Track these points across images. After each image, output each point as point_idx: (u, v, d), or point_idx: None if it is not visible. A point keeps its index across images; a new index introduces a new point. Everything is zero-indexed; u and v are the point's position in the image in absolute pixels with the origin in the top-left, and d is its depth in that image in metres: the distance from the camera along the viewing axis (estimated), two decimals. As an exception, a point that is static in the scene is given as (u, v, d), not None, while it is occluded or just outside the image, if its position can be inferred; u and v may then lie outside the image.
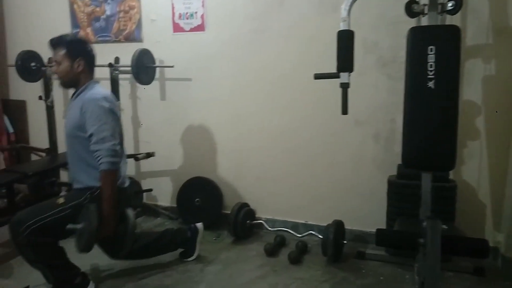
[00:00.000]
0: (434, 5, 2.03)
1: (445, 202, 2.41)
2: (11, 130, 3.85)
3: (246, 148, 3.14)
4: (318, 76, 2.17)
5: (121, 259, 2.52)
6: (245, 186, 3.18)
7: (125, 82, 3.34)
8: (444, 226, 1.88)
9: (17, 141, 3.86)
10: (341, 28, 2.04)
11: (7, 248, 2.85)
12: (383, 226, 2.63)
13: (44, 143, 3.44)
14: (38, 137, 3.70)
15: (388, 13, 2.61)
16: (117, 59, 3.13)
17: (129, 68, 2.98)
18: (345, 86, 2.08)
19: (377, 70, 2.70)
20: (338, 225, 2.63)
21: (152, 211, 3.42)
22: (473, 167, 2.59)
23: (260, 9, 2.93)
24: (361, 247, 2.76)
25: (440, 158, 1.96)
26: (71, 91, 2.34)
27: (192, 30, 3.14)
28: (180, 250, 2.68)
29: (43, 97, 3.31)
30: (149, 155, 3.18)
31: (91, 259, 2.61)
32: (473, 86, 2.52)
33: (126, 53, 3.04)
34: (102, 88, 2.28)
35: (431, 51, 1.89)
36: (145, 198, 3.46)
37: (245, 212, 2.96)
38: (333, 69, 2.08)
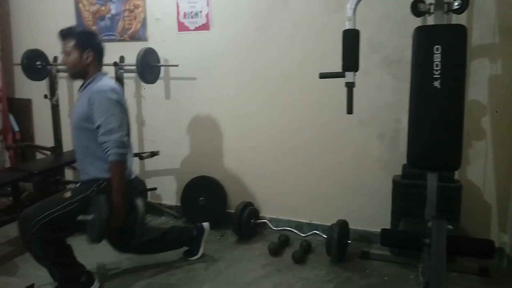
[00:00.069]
0: (440, 4, 2.02)
1: (450, 202, 2.40)
2: (16, 128, 3.87)
3: (251, 147, 3.14)
4: (323, 76, 2.17)
5: (128, 252, 2.53)
6: (249, 185, 3.18)
7: (130, 81, 3.35)
8: (450, 227, 1.87)
9: (22, 139, 3.88)
10: (347, 27, 2.04)
11: (12, 246, 2.87)
12: (387, 226, 2.62)
13: (49, 142, 3.45)
14: (43, 136, 3.71)
15: (394, 12, 2.60)
16: (122, 58, 3.14)
17: (134, 67, 2.99)
18: (350, 86, 2.07)
19: (382, 69, 2.69)
20: (342, 225, 2.62)
21: (156, 210, 3.42)
22: (478, 167, 2.58)
23: (265, 8, 2.93)
24: (365, 247, 2.75)
25: (445, 158, 1.95)
26: (77, 86, 2.35)
27: (197, 29, 3.14)
28: (184, 249, 2.68)
29: (48, 96, 3.33)
30: (153, 154, 3.19)
31: (96, 258, 2.62)
32: (479, 86, 2.51)
33: (131, 52, 3.05)
34: (110, 80, 2.29)
35: (437, 50, 1.88)
36: (150, 197, 3.47)
37: (249, 211, 2.96)
38: (338, 68, 2.08)
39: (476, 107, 2.52)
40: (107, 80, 2.26)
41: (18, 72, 3.48)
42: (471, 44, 2.44)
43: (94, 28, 3.46)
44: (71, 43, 2.21)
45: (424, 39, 1.93)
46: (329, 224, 2.69)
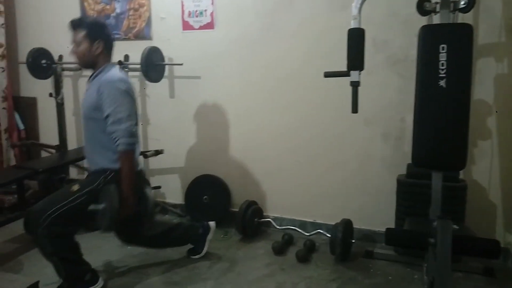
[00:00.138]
0: (446, 3, 2.02)
1: (455, 202, 2.39)
2: (21, 126, 3.88)
3: (254, 146, 3.14)
4: (328, 75, 2.16)
5: (133, 244, 2.56)
6: (253, 184, 3.18)
7: (135, 80, 3.35)
8: (455, 226, 1.86)
9: (27, 137, 3.89)
10: (352, 26, 2.03)
11: (17, 244, 2.88)
12: (391, 225, 2.62)
13: (54, 140, 3.46)
14: (48, 134, 3.72)
15: (399, 11, 2.59)
16: (126, 57, 3.15)
17: (138, 66, 2.99)
18: (355, 85, 2.07)
19: (387, 68, 2.68)
20: (346, 224, 2.62)
21: (161, 208, 3.43)
22: (484, 167, 2.57)
23: (270, 7, 2.92)
24: (369, 246, 2.75)
25: (450, 157, 1.94)
26: (82, 85, 2.36)
27: (201, 28, 3.14)
28: (188, 246, 2.69)
29: (53, 94, 3.34)
30: (157, 152, 3.20)
31: (100, 256, 2.63)
32: (484, 85, 2.49)
33: (135, 50, 3.05)
34: (119, 71, 2.31)
35: (443, 49, 1.87)
36: (154, 195, 3.47)
37: (253, 210, 2.96)
38: (342, 67, 2.08)
39: (482, 106, 2.51)
40: (116, 71, 2.28)
41: (24, 71, 3.50)
42: (477, 43, 2.43)
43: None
44: (82, 33, 2.22)
45: (430, 38, 1.92)
46: (333, 223, 2.68)
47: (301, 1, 2.83)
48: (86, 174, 2.50)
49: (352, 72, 2.06)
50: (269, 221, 3.09)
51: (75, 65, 3.46)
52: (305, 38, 2.87)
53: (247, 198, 3.06)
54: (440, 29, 1.97)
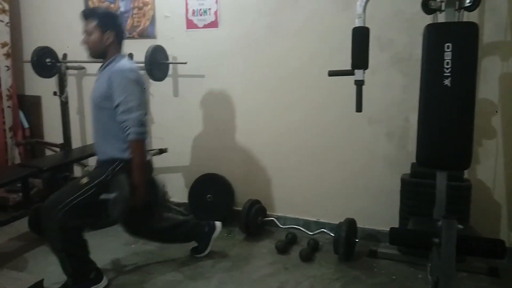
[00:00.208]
0: (452, 2, 2.00)
1: (460, 201, 2.38)
2: (26, 125, 3.90)
3: (258, 145, 3.14)
4: (332, 73, 2.16)
5: (139, 235, 2.58)
6: (257, 182, 3.18)
7: (139, 79, 3.36)
8: (460, 226, 1.85)
9: (32, 136, 3.91)
10: (356, 25, 2.02)
11: (22, 242, 2.90)
12: (395, 224, 2.61)
13: (58, 138, 3.48)
14: (53, 132, 3.74)
15: (404, 9, 2.58)
16: (130, 56, 3.14)
17: (142, 65, 2.99)
18: (359, 84, 2.06)
19: (391, 67, 2.67)
20: (350, 223, 2.61)
21: (164, 206, 3.43)
22: (488, 166, 2.56)
23: (274, 5, 2.92)
24: (373, 245, 2.74)
25: (455, 157, 1.93)
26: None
27: (205, 26, 3.14)
28: (192, 245, 2.69)
29: (58, 93, 3.35)
30: (161, 151, 3.20)
31: (104, 254, 2.64)
32: (490, 84, 2.48)
33: (139, 49, 3.05)
34: (129, 61, 2.33)
35: (448, 48, 1.86)
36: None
37: (257, 209, 2.96)
38: (347, 66, 2.07)
39: (487, 105, 2.50)
40: (126, 61, 2.30)
41: (28, 69, 3.51)
42: (482, 42, 2.42)
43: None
44: (93, 23, 2.24)
45: (434, 36, 1.91)
46: (337, 222, 2.68)
47: (305, -1, 2.83)
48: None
49: (356, 71, 2.05)
50: (272, 220, 3.09)
51: (79, 64, 3.49)
52: (309, 37, 2.86)
53: (250, 197, 3.06)
54: (445, 27, 1.95)
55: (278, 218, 3.11)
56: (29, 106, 3.90)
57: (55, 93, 3.35)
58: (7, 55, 3.68)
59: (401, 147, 2.72)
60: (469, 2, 1.99)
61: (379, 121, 2.76)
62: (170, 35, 3.26)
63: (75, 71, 3.58)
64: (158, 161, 3.41)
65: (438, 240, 1.85)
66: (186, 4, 3.17)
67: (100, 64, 2.34)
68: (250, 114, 3.12)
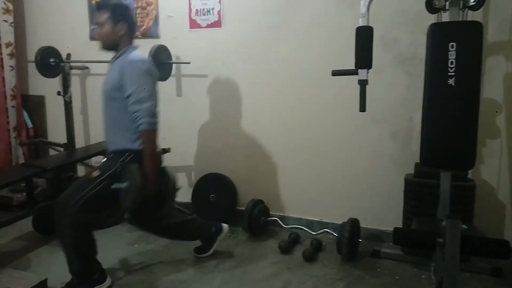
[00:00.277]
0: (456, 1, 2.00)
1: (464, 201, 2.37)
2: (30, 125, 3.91)
3: (261, 145, 3.13)
4: (336, 73, 2.16)
5: (145, 228, 2.59)
6: (260, 182, 3.18)
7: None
8: (464, 226, 1.85)
9: (35, 136, 3.92)
10: (360, 24, 2.02)
11: (25, 241, 2.91)
12: (399, 225, 2.60)
13: (62, 138, 3.48)
14: (56, 132, 3.75)
15: (408, 9, 2.57)
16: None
17: (146, 64, 2.99)
18: (363, 83, 2.06)
19: (395, 67, 2.66)
20: (353, 223, 2.61)
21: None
22: (492, 166, 2.55)
23: (277, 5, 2.91)
24: (376, 245, 2.73)
25: (459, 156, 1.93)
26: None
27: (208, 26, 3.14)
28: (196, 244, 2.69)
29: (62, 93, 3.36)
30: (164, 151, 3.19)
31: (108, 254, 2.64)
32: (494, 83, 2.47)
33: (143, 49, 2.99)
34: (140, 53, 2.35)
35: (452, 47, 1.86)
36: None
37: (260, 208, 2.96)
38: (351, 66, 2.07)
39: (491, 105, 2.49)
40: (138, 52, 2.31)
41: (32, 69, 3.52)
42: (486, 41, 2.41)
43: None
44: (106, 15, 2.26)
45: (439, 36, 1.91)
46: (340, 222, 2.68)
47: (308, -1, 2.83)
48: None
49: (360, 71, 2.05)
50: (275, 220, 3.09)
51: (83, 63, 3.50)
52: (313, 36, 2.86)
53: (253, 196, 3.06)
54: (449, 27, 1.95)
55: (281, 218, 3.11)
56: (33, 106, 3.91)
57: (59, 93, 3.36)
58: (11, 55, 3.69)
59: (405, 146, 2.72)
60: (474, 1, 1.99)
61: (383, 120, 2.75)
62: (173, 34, 3.26)
63: (78, 71, 3.59)
64: (161, 161, 3.43)
65: (442, 240, 1.85)
66: (189, 3, 3.17)
67: (111, 56, 2.36)
68: (254, 114, 3.12)
